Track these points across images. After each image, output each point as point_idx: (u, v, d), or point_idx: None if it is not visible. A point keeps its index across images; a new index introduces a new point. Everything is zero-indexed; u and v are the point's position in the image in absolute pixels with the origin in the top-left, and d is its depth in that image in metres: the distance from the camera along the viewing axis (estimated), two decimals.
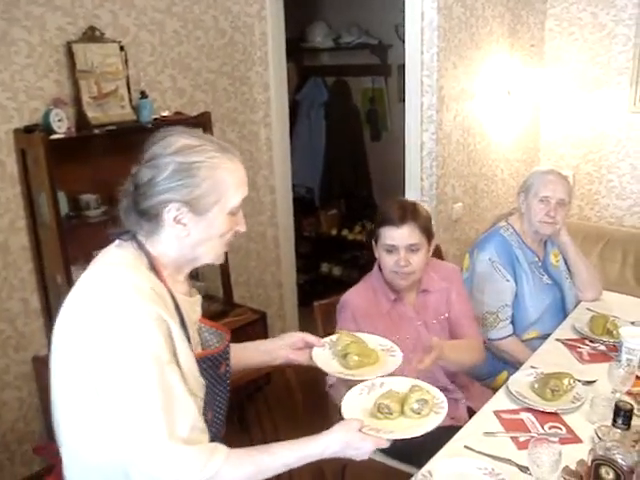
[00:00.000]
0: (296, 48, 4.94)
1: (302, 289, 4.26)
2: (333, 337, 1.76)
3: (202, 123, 2.98)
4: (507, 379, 2.07)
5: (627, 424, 1.36)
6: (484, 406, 1.92)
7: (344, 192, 5.05)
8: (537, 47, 3.92)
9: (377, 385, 1.60)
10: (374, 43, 4.84)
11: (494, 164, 3.55)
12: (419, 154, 3.03)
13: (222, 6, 3.29)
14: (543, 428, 1.80)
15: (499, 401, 1.94)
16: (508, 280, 2.47)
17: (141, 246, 1.35)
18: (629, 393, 1.90)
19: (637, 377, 1.93)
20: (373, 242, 2.13)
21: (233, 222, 1.38)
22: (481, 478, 1.57)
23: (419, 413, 1.48)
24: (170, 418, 1.23)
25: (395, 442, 1.40)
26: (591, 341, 2.35)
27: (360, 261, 4.65)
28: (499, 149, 3.62)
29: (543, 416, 1.85)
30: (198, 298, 1.49)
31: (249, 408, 1.97)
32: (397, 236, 2.02)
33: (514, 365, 2.34)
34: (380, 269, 2.15)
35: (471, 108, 3.28)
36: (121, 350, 1.22)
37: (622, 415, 1.35)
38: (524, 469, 1.58)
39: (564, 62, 3.97)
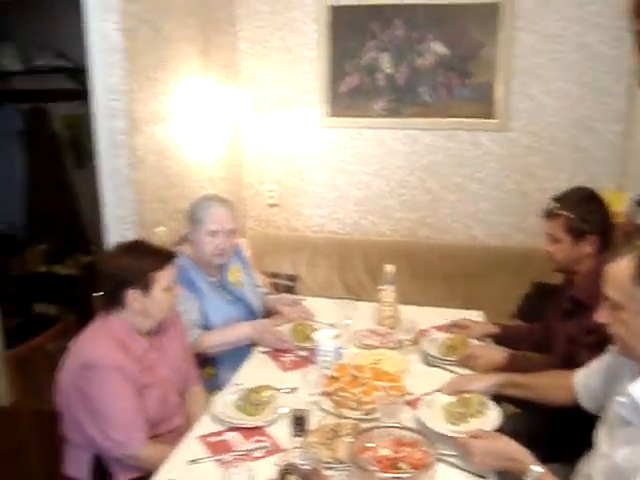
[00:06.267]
0: None
1: (14, 334, 3.86)
2: None
3: None
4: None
5: (303, 430, 1.41)
6: (189, 434, 1.88)
7: (52, 225, 4.73)
8: (231, 68, 4.03)
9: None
10: (70, 66, 4.60)
11: (197, 185, 3.55)
12: (113, 180, 2.92)
13: None
14: (248, 444, 1.81)
15: (203, 425, 1.92)
16: (189, 300, 2.47)
17: None
18: (326, 393, 2.00)
19: (332, 377, 2.05)
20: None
21: None
22: None
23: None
24: None
25: None
26: None
27: (76, 297, 4.37)
28: (201, 169, 3.64)
29: (248, 432, 1.86)
30: None
31: None
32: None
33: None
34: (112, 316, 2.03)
35: (166, 130, 3.24)
36: None
37: (297, 423, 1.40)
38: None
39: (259, 82, 4.13)
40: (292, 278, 3.87)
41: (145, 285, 1.99)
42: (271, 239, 4.12)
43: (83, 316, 2.35)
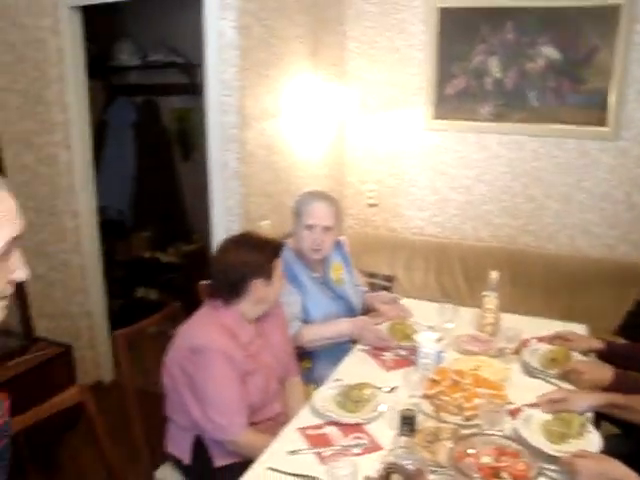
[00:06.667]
0: (103, 66, 4.77)
1: (117, 316, 4.07)
2: None
3: None
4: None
5: (412, 430, 1.41)
6: (288, 425, 1.92)
7: (156, 213, 4.92)
8: (339, 67, 4.06)
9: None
10: (182, 62, 4.78)
11: (301, 181, 3.61)
12: (222, 174, 3.01)
13: (10, 18, 3.06)
14: (346, 440, 1.83)
15: (303, 418, 1.95)
16: (292, 294, 2.49)
17: None
18: (427, 396, 1.99)
19: (433, 380, 2.04)
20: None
21: (3, 270, 1.04)
22: None
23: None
24: None
25: None
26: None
27: (176, 283, 4.55)
28: (306, 166, 3.70)
29: (346, 428, 1.87)
30: None
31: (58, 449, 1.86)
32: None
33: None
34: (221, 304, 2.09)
35: (275, 126, 3.32)
36: None
37: (406, 423, 1.40)
38: None
39: (365, 81, 4.15)
40: (389, 279, 3.87)
41: (269, 274, 2.09)
42: (369, 239, 4.13)
43: (182, 302, 2.47)
